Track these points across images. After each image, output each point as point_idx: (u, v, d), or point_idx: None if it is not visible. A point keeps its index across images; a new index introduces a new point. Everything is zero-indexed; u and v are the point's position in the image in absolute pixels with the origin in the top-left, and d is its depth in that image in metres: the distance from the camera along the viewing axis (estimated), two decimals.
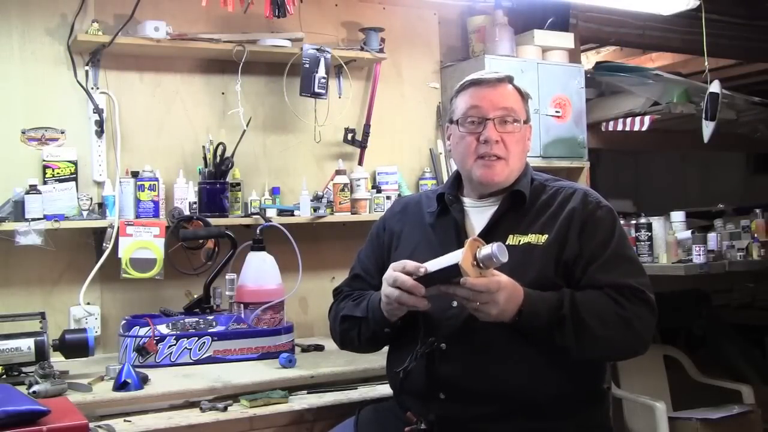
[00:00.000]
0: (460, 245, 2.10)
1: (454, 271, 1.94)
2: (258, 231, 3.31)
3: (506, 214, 2.24)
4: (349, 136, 3.82)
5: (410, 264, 2.07)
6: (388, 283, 2.09)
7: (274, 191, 3.67)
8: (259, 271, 3.24)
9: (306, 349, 3.34)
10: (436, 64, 4.18)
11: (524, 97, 2.32)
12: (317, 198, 3.62)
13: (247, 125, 3.52)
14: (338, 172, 3.71)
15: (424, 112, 4.14)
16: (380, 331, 2.24)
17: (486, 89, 2.26)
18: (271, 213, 3.52)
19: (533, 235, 2.18)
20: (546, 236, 2.17)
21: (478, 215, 2.29)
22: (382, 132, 3.97)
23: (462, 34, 4.22)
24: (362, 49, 3.80)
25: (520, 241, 2.17)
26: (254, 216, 3.48)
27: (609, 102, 4.69)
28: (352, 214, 3.71)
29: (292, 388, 2.76)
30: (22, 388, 2.49)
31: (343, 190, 3.68)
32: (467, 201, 2.33)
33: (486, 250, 1.94)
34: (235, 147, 3.49)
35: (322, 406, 2.66)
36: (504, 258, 1.93)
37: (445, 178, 3.91)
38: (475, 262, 1.94)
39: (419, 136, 4.11)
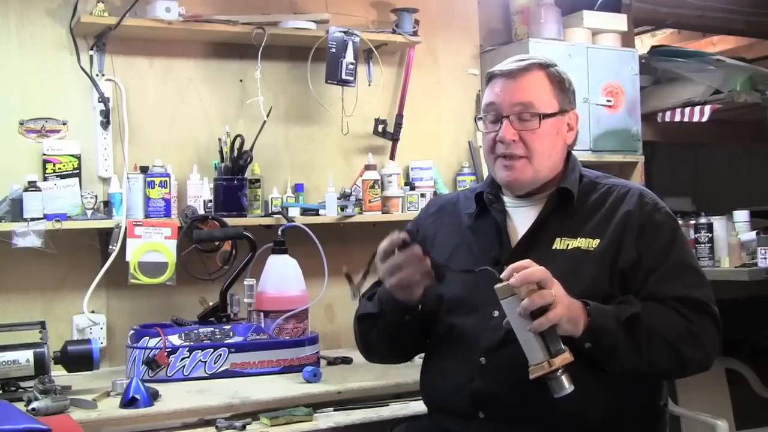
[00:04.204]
0: (502, 248, 2.14)
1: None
2: (279, 232, 3.33)
3: (552, 214, 2.21)
4: (380, 128, 3.83)
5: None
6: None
7: (297, 188, 3.68)
8: (281, 276, 3.25)
9: (332, 362, 3.36)
10: (476, 49, 4.18)
11: (559, 83, 2.24)
12: (345, 196, 3.65)
13: (267, 116, 3.52)
14: (368, 168, 3.72)
15: (462, 101, 4.14)
16: (401, 320, 2.19)
17: (505, 82, 2.21)
18: (293, 212, 3.54)
19: (583, 239, 2.14)
20: (598, 241, 2.13)
21: (521, 216, 2.26)
22: (415, 123, 3.97)
23: (504, 15, 4.23)
24: (394, 31, 3.80)
25: (568, 245, 2.15)
26: (275, 215, 3.50)
27: (665, 90, 4.68)
28: (383, 213, 3.71)
29: (317, 404, 2.77)
30: (20, 405, 2.50)
31: (373, 186, 3.69)
32: (508, 200, 2.31)
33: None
34: (254, 140, 3.49)
35: (350, 425, 2.69)
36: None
37: (485, 174, 3.91)
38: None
39: (457, 127, 4.11)
